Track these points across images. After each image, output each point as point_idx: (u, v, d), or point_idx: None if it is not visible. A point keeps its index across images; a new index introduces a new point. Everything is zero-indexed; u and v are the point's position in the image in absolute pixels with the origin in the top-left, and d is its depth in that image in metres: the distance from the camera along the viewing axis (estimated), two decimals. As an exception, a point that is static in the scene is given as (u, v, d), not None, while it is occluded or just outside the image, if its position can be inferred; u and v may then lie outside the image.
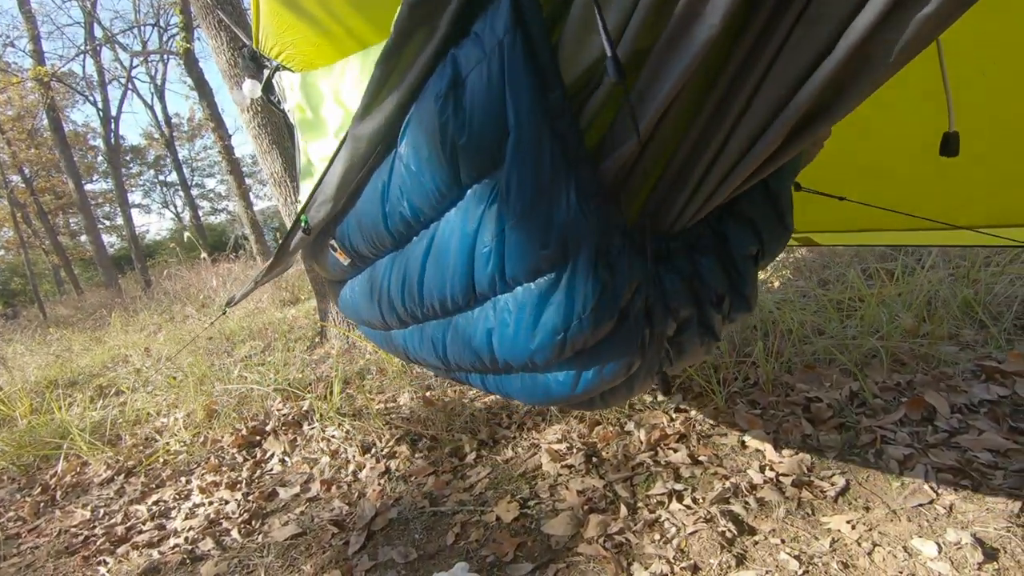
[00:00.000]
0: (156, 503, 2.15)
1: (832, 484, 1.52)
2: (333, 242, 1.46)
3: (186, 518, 2.01)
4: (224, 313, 2.49)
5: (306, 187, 1.92)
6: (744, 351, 2.24)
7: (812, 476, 1.57)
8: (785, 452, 1.69)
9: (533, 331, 0.91)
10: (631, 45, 0.66)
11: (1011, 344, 1.98)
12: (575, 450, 1.90)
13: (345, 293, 1.68)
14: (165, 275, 9.42)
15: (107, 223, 21.92)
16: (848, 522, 1.38)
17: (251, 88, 2.35)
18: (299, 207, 1.56)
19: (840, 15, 0.59)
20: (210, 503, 2.07)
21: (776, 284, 3.04)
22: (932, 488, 1.43)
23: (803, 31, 0.63)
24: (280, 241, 1.70)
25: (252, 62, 2.35)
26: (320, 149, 1.76)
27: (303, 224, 1.45)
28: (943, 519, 1.34)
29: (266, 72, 2.26)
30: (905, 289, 2.35)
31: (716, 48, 0.67)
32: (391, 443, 2.21)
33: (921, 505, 1.39)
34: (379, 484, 1.97)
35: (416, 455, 2.10)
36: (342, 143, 1.16)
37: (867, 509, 1.42)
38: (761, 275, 3.18)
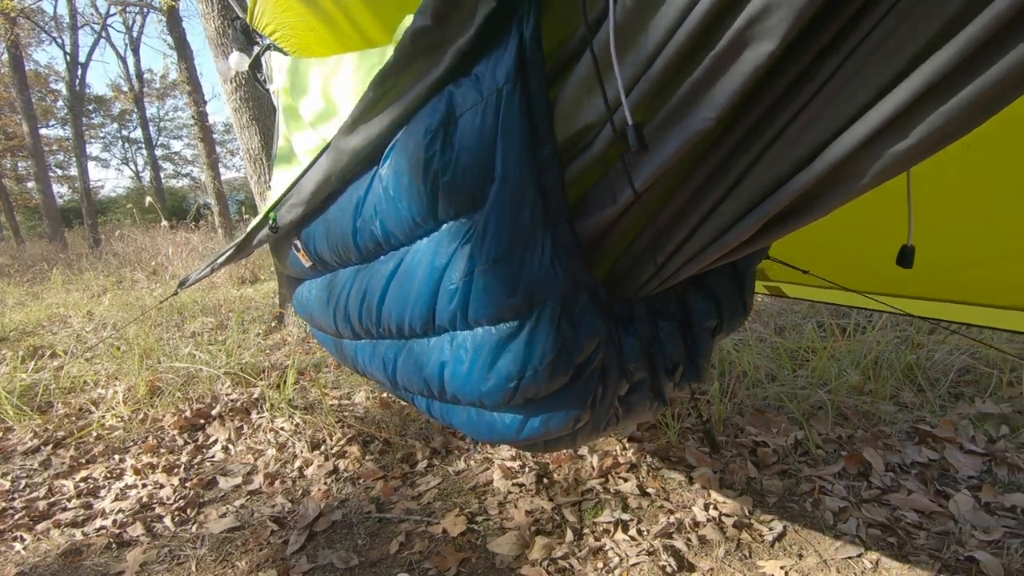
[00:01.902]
0: (84, 480, 2.05)
1: (770, 529, 1.58)
2: (297, 242, 1.44)
3: (116, 499, 1.91)
4: (175, 293, 2.40)
5: (280, 173, 1.87)
6: (701, 388, 2.31)
7: (752, 519, 1.62)
8: (729, 492, 1.74)
9: (487, 374, 0.91)
10: (630, 118, 0.68)
11: (944, 411, 2.10)
12: (528, 469, 1.91)
13: (302, 292, 1.64)
14: (117, 235, 8.99)
15: (59, 172, 20.75)
16: (782, 568, 1.43)
17: (238, 61, 2.28)
18: (270, 202, 1.53)
19: (818, 140, 0.63)
20: (143, 486, 1.99)
21: (735, 325, 3.14)
22: (862, 542, 1.50)
23: (783, 146, 0.67)
24: (247, 229, 1.65)
25: (243, 35, 2.29)
26: (303, 140, 1.73)
27: (271, 221, 1.42)
28: (869, 573, 1.41)
29: (256, 49, 2.21)
30: (855, 346, 2.48)
31: (707, 137, 0.70)
32: (342, 442, 2.17)
33: (850, 558, 1.45)
34: (325, 483, 1.93)
35: (366, 457, 2.07)
36: (323, 151, 1.15)
37: (800, 556, 1.48)
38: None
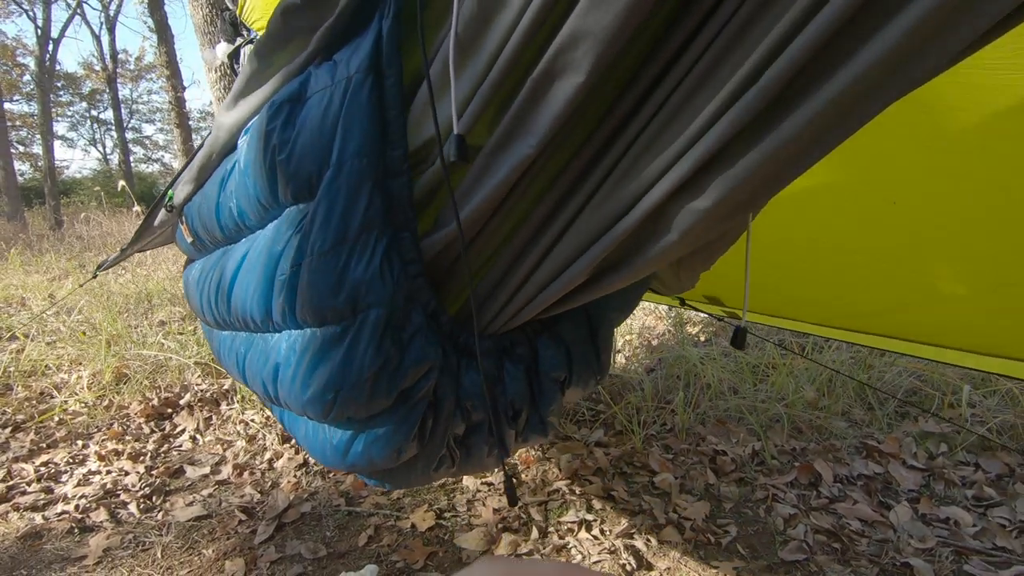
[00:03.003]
0: (45, 464, 2.01)
1: (726, 532, 1.66)
2: (183, 216, 1.37)
3: (79, 484, 1.89)
4: (94, 276, 2.35)
5: None
6: (666, 398, 2.40)
7: (709, 523, 1.70)
8: (689, 497, 1.82)
9: (308, 380, 0.84)
10: (456, 127, 0.67)
11: (891, 428, 2.24)
12: (497, 470, 1.96)
13: (186, 274, 1.51)
14: (82, 218, 8.71)
15: (21, 148, 19.97)
16: (734, 568, 1.51)
17: (225, 51, 2.29)
18: (171, 181, 1.50)
19: (635, 191, 0.65)
20: (108, 472, 1.96)
21: (703, 338, 3.25)
22: (808, 547, 1.60)
23: (607, 192, 0.70)
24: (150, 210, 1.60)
25: (231, 27, 2.31)
26: None
27: (168, 198, 1.37)
28: (814, 576, 1.50)
29: (239, 40, 2.22)
30: (812, 365, 2.60)
31: (537, 171, 0.71)
32: (313, 436, 2.18)
33: (797, 561, 1.55)
34: (295, 476, 1.95)
35: (337, 452, 2.09)
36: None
37: (752, 559, 1.56)
38: (690, 329, 3.40)
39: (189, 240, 1.34)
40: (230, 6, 2.42)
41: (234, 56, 2.31)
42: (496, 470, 1.95)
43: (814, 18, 0.48)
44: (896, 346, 1.42)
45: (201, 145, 1.17)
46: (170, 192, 1.35)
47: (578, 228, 0.74)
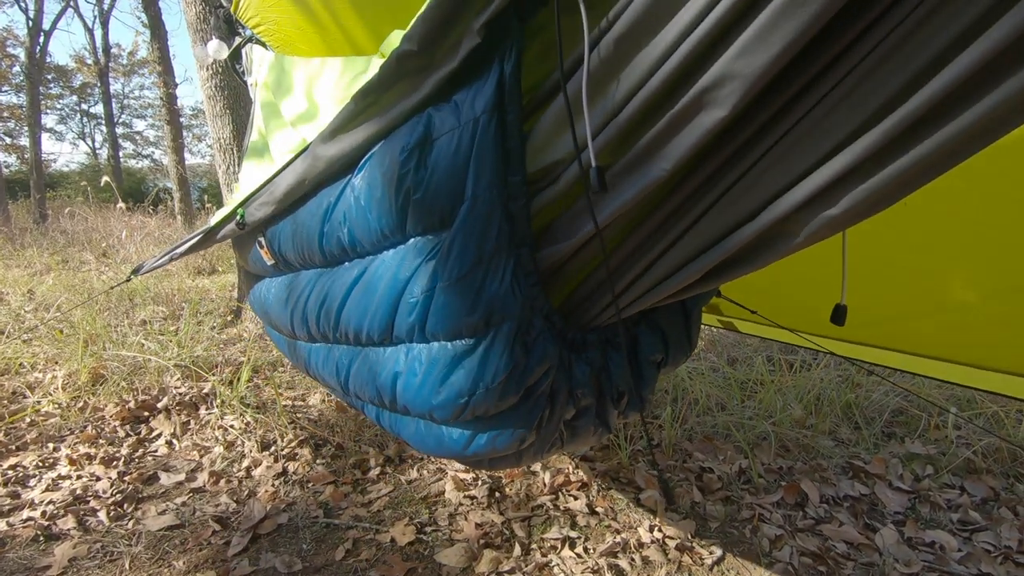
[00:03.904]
0: (14, 467, 1.94)
1: (711, 553, 1.63)
2: (262, 239, 1.44)
3: (47, 490, 1.82)
4: (128, 280, 2.32)
5: (250, 166, 1.86)
6: (653, 413, 2.37)
7: (694, 542, 1.68)
8: (674, 516, 1.80)
9: (439, 388, 0.93)
10: (594, 160, 0.71)
11: (877, 448, 2.23)
12: (480, 482, 1.93)
13: (260, 290, 1.63)
14: (67, 212, 8.57)
15: (7, 140, 19.65)
16: (719, 591, 1.49)
17: (217, 49, 2.26)
18: (238, 196, 1.51)
19: (761, 199, 0.69)
20: (78, 477, 1.90)
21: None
22: (794, 569, 1.58)
23: (730, 202, 0.72)
24: (212, 221, 1.63)
25: (225, 24, 2.27)
26: (282, 138, 1.72)
27: (239, 217, 1.42)
28: (799, 600, 1.48)
29: (237, 40, 2.19)
30: (800, 382, 2.60)
31: (664, 186, 0.75)
32: (293, 444, 2.13)
33: (783, 584, 1.52)
34: (273, 485, 1.90)
35: (318, 461, 2.04)
36: (300, 154, 1.16)
37: (737, 581, 1.54)
38: (679, 342, 3.38)
39: (270, 262, 1.43)
40: (224, 3, 2.39)
41: (235, 56, 2.28)
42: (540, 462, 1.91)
43: (966, 50, 0.50)
44: (890, 359, 1.40)
45: (283, 168, 1.20)
46: (241, 210, 1.39)
47: (696, 233, 0.77)
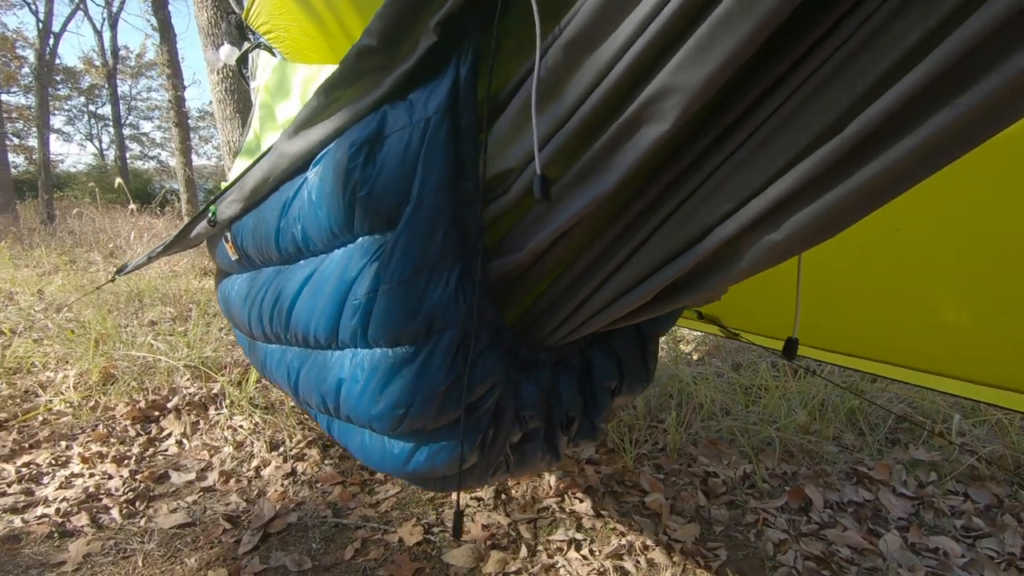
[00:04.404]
0: (27, 465, 1.97)
1: (715, 556, 1.65)
2: (228, 234, 1.42)
3: (60, 487, 1.85)
4: (112, 280, 2.34)
5: (241, 163, 1.89)
6: (658, 417, 2.39)
7: (699, 546, 1.69)
8: (679, 519, 1.81)
9: (378, 396, 0.89)
10: (539, 169, 0.70)
11: (881, 455, 2.24)
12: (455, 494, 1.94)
13: (225, 287, 1.60)
14: (75, 213, 8.64)
15: (15, 140, 19.79)
16: (724, 594, 1.50)
17: (228, 53, 2.30)
18: (216, 197, 1.52)
19: (707, 222, 0.68)
20: (91, 475, 1.93)
21: (696, 358, 3.26)
22: (797, 573, 1.59)
23: (679, 222, 0.72)
24: (186, 221, 1.63)
25: (236, 30, 2.31)
26: (272, 140, 1.75)
27: (211, 215, 1.41)
28: (803, 603, 1.49)
29: (247, 45, 2.23)
30: (804, 388, 2.61)
31: (609, 202, 0.73)
32: (302, 444, 2.16)
33: (787, 588, 1.54)
34: (282, 485, 1.92)
35: (326, 461, 2.06)
36: (267, 151, 1.15)
37: (741, 584, 1.55)
38: (684, 348, 3.40)
39: (234, 258, 1.40)
40: (236, 9, 2.43)
41: (242, 61, 2.32)
42: (484, 487, 1.93)
43: (907, 75, 0.48)
44: (891, 372, 1.42)
45: (252, 165, 1.19)
46: (213, 207, 1.38)
47: (646, 252, 0.76)
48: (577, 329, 0.93)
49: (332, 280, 0.95)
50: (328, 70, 1.64)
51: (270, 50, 2.19)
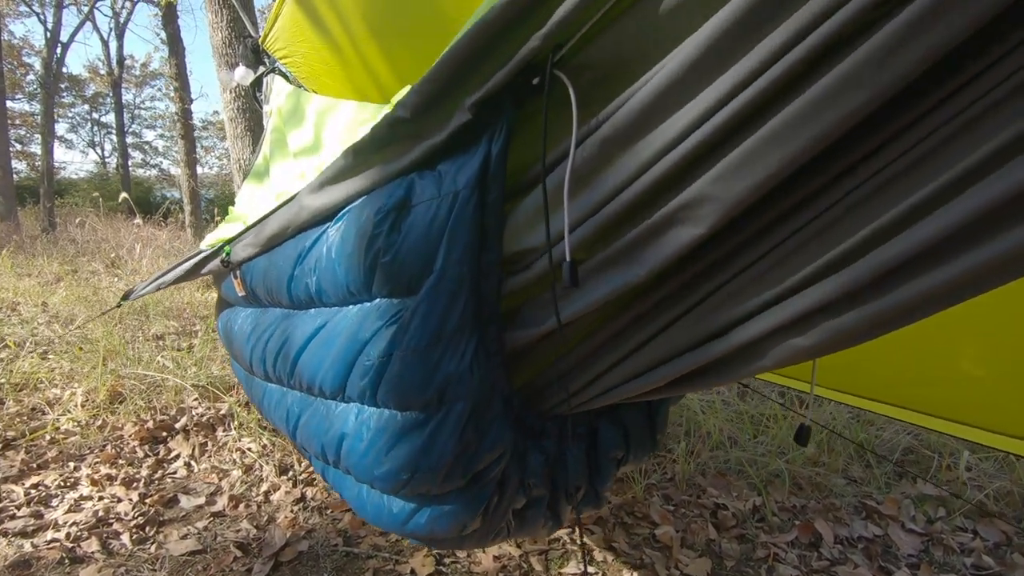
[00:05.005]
0: (36, 487, 1.96)
1: (728, 593, 1.65)
2: (237, 271, 1.45)
3: (70, 511, 1.84)
4: (119, 305, 2.35)
5: (250, 187, 1.91)
6: (667, 446, 2.39)
7: (711, 581, 1.69)
8: (690, 553, 1.81)
9: (383, 458, 0.89)
10: (568, 255, 0.70)
11: (889, 488, 2.25)
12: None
13: (227, 318, 1.62)
14: (77, 222, 8.64)
15: (18, 147, 19.83)
16: (738, 633, 1.50)
17: (243, 75, 2.34)
18: (229, 232, 1.54)
19: (730, 319, 0.67)
20: (100, 498, 1.92)
21: (700, 384, 3.26)
22: (811, 612, 1.59)
23: (700, 316, 0.71)
24: (197, 254, 1.67)
25: (252, 53, 2.35)
26: (283, 167, 1.77)
27: (225, 254, 1.44)
28: (817, 644, 1.49)
29: (262, 68, 2.27)
30: (812, 418, 2.62)
31: (636, 289, 0.74)
32: (311, 469, 2.15)
33: (800, 627, 1.54)
34: (292, 511, 1.91)
35: (336, 487, 2.05)
36: (288, 201, 1.16)
37: (755, 622, 1.55)
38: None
39: (241, 294, 1.43)
40: (252, 33, 2.47)
41: (256, 84, 2.35)
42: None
43: (958, 197, 0.48)
44: (908, 416, 1.44)
45: (272, 212, 1.21)
46: (227, 248, 1.41)
47: (664, 340, 0.75)
48: (586, 404, 0.92)
49: (344, 336, 0.95)
50: (345, 105, 1.67)
51: (285, 76, 2.23)
